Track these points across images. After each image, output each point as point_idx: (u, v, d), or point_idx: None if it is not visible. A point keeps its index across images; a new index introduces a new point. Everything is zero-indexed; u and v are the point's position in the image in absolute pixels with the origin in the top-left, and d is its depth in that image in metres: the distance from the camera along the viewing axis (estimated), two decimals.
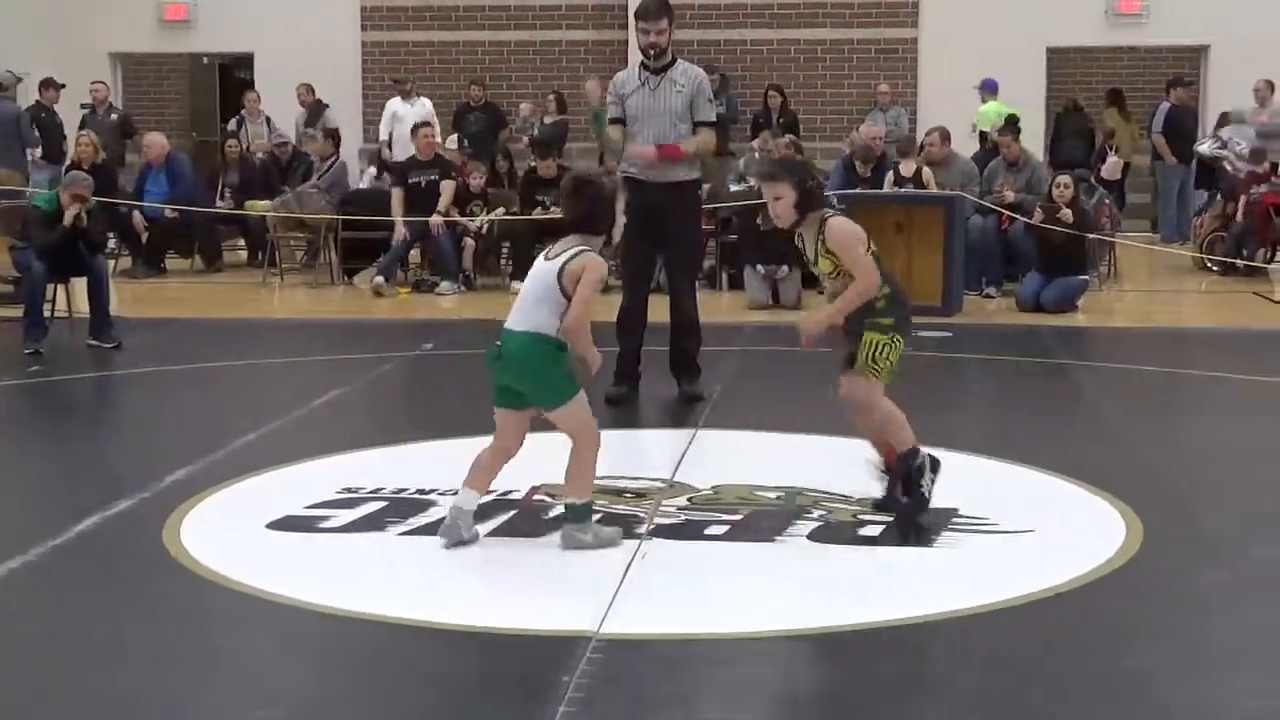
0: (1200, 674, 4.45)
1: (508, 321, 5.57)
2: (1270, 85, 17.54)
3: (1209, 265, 15.41)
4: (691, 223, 8.86)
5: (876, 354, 5.77)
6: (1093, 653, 4.62)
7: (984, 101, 17.97)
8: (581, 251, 5.50)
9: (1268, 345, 10.85)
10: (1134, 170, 19.54)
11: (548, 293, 5.47)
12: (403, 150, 16.15)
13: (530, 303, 5.51)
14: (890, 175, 13.70)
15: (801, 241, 5.94)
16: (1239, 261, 15.11)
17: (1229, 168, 16.00)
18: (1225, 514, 6.22)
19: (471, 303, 13.52)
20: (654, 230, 8.35)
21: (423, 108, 17.27)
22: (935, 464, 5.89)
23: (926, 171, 13.58)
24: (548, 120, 18.50)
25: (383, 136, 17.51)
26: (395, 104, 17.52)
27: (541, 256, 5.62)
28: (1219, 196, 16.33)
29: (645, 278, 8.67)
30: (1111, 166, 16.87)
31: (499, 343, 5.53)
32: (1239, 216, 15.38)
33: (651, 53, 8.30)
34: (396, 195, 14.29)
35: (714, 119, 8.51)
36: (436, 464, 6.97)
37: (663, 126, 8.27)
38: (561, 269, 5.46)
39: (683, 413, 8.30)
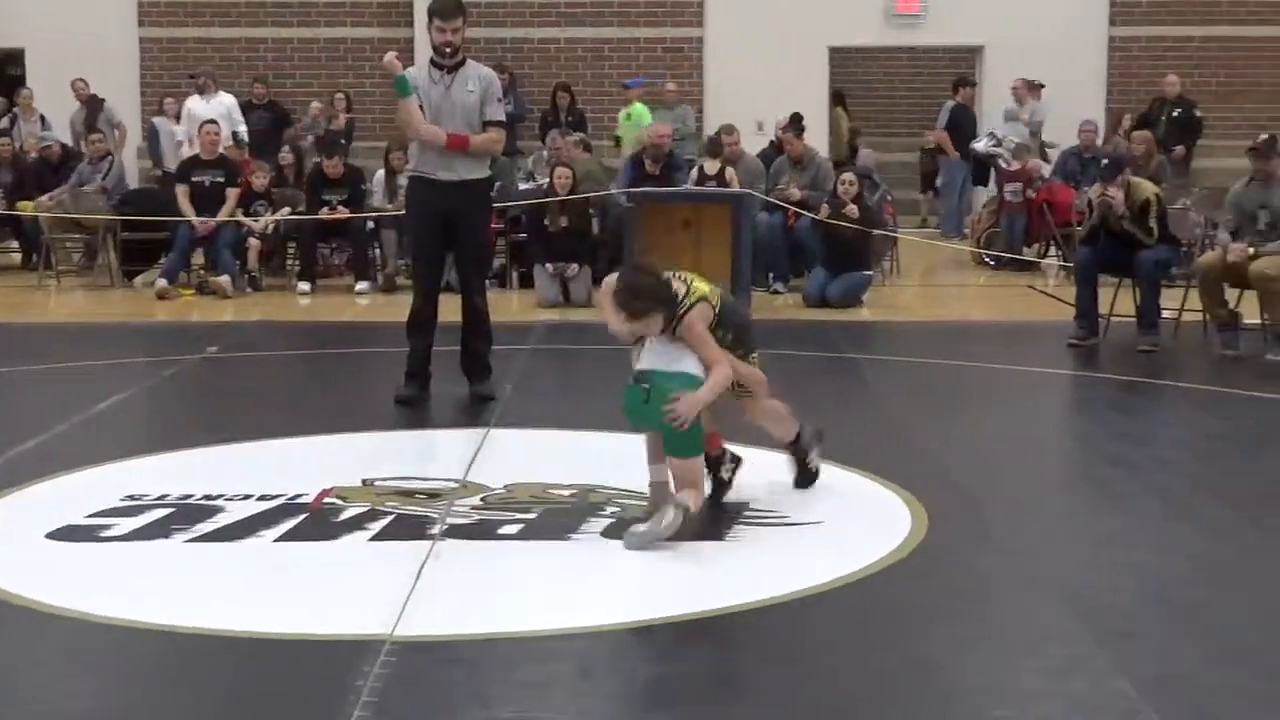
0: (984, 656, 4.57)
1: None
2: (1028, 85, 18.11)
3: (986, 260, 15.86)
4: (481, 221, 8.83)
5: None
6: (882, 640, 4.73)
7: (631, 103, 17.97)
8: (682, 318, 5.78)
9: (1041, 336, 11.21)
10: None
11: (680, 350, 5.80)
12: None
13: (670, 359, 5.76)
14: (695, 173, 13.83)
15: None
16: (1012, 256, 15.58)
17: (1003, 165, 16.49)
18: (1003, 500, 6.41)
19: (257, 304, 13.29)
20: (444, 229, 8.33)
21: (220, 104, 16.68)
22: (717, 489, 6.20)
23: (730, 170, 13.73)
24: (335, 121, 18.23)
25: (179, 137, 16.78)
26: (192, 102, 16.61)
27: (649, 342, 5.81)
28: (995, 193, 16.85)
29: (435, 277, 8.61)
30: (865, 156, 17.25)
31: (645, 385, 5.68)
32: (996, 213, 15.91)
33: (447, 50, 8.24)
34: (181, 192, 13.94)
35: (502, 119, 8.49)
36: (223, 469, 6.84)
37: (456, 125, 8.21)
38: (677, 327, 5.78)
39: (474, 412, 8.27)
